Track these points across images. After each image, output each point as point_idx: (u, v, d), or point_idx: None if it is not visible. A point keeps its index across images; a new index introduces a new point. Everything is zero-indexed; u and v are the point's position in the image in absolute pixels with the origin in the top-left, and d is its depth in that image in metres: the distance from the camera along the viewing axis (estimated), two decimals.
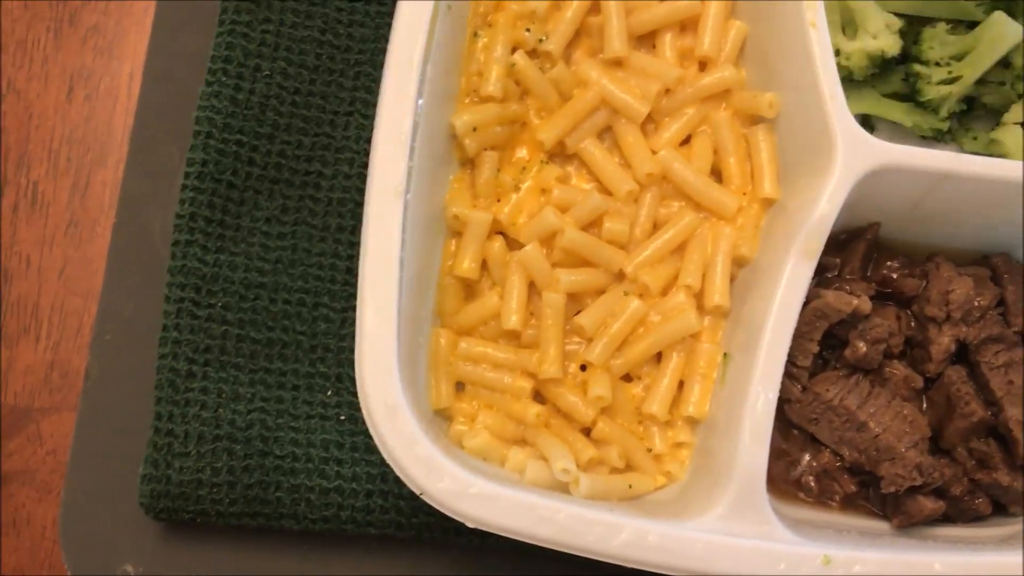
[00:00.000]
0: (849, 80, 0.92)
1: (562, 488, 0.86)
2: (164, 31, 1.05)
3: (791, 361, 0.90)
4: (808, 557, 0.79)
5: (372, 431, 0.79)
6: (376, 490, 0.92)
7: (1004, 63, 0.96)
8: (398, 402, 0.79)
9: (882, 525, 0.91)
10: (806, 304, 0.89)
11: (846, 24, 0.97)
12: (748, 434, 0.82)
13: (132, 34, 1.08)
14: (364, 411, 0.79)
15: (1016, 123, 0.93)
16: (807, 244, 0.84)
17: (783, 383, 0.90)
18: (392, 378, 0.79)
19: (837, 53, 0.94)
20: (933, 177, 0.86)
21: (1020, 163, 0.85)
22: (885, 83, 0.98)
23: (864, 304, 0.89)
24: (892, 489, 0.87)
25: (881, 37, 0.95)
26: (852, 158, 0.84)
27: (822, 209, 0.84)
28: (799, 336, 0.89)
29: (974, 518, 0.91)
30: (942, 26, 0.97)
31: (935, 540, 0.89)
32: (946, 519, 0.91)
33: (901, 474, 0.87)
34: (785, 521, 0.83)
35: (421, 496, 0.78)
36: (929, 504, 0.88)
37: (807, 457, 0.92)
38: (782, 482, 0.92)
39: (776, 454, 0.92)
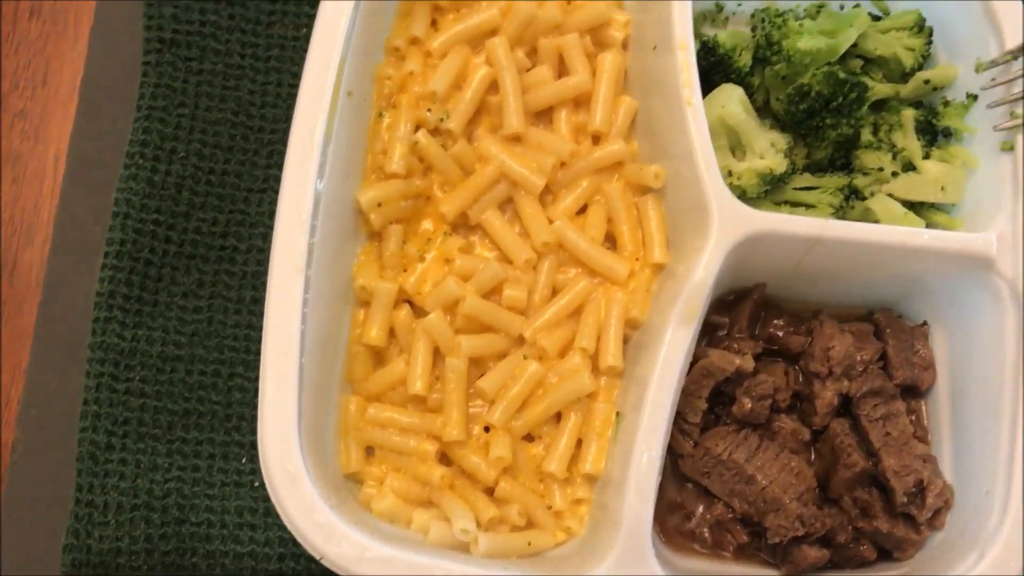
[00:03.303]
0: (744, 198, 0.96)
1: (464, 548, 0.90)
2: (87, 115, 1.09)
3: (683, 418, 0.95)
4: None
5: (273, 498, 0.83)
6: (288, 553, 0.95)
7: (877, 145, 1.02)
8: (298, 469, 0.83)
9: (774, 574, 0.95)
10: (694, 363, 0.94)
11: (734, 147, 1.02)
12: (633, 491, 0.86)
13: (57, 118, 1.12)
14: (265, 478, 0.83)
15: (886, 194, 0.99)
16: (685, 309, 0.89)
17: (676, 439, 0.95)
18: (292, 446, 0.84)
19: (729, 174, 0.99)
20: (805, 242, 0.91)
21: (881, 226, 0.91)
22: (778, 194, 1.03)
23: (747, 363, 0.94)
24: (777, 539, 0.91)
25: (768, 156, 1.00)
26: (726, 227, 0.90)
27: (698, 276, 0.89)
28: (688, 394, 0.94)
29: (860, 564, 0.95)
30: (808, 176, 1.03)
31: None
32: (835, 566, 0.95)
33: (784, 525, 0.91)
34: (679, 572, 0.87)
35: (321, 561, 0.82)
36: (813, 553, 0.92)
37: (701, 509, 0.96)
38: (677, 534, 0.96)
39: (671, 507, 0.96)
